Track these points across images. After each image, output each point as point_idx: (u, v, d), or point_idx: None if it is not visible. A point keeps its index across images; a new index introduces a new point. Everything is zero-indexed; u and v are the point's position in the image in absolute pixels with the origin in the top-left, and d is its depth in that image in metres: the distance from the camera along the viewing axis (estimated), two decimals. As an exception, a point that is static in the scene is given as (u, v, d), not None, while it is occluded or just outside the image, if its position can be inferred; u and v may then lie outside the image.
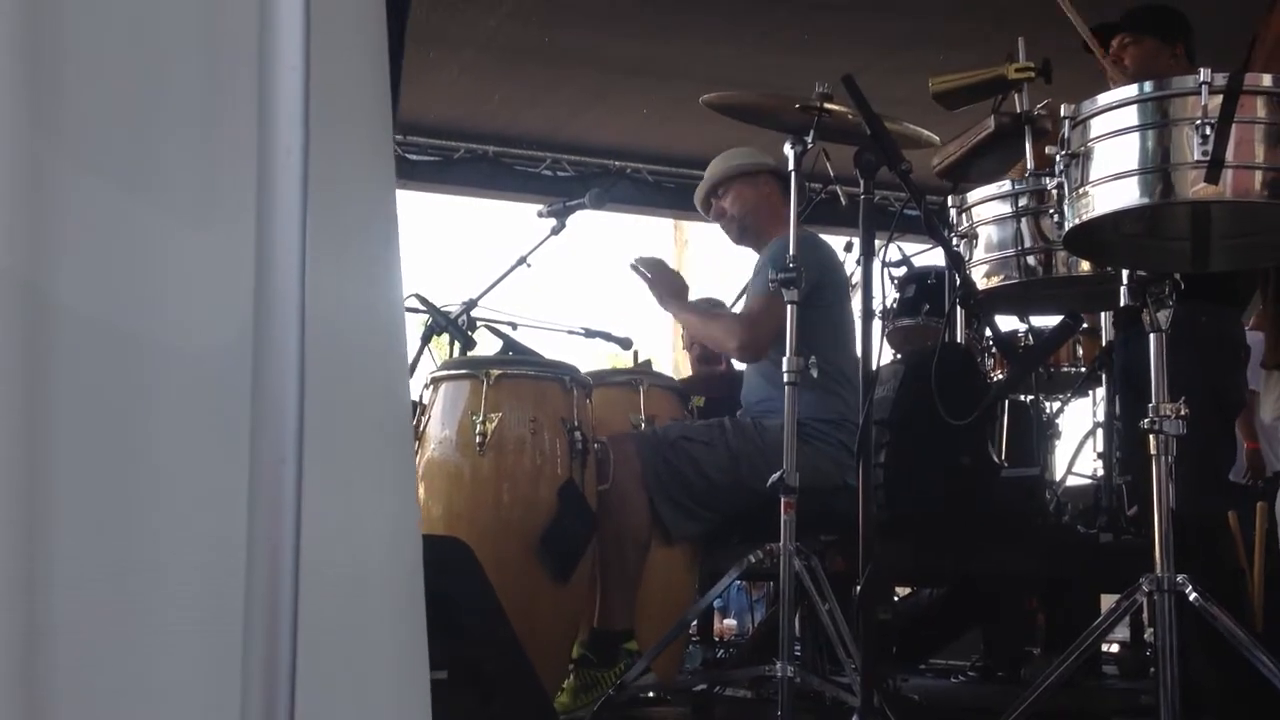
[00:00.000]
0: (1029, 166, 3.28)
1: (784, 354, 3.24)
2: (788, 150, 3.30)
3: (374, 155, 1.41)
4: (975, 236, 3.18)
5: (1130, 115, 2.51)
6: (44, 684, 1.07)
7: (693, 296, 4.43)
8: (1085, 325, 5.01)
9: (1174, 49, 3.72)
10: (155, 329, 1.16)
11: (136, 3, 1.21)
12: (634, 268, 4.18)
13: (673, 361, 9.95)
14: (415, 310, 4.05)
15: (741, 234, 4.29)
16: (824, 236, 4.27)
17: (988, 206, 3.19)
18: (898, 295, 5.25)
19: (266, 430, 1.04)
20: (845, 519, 3.11)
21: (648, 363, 4.59)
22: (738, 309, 4.35)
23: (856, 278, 5.06)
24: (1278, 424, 2.93)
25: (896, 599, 5.32)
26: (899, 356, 4.91)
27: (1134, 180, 2.50)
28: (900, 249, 5.34)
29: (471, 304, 4.09)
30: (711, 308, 4.71)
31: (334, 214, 1.26)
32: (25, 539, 1.07)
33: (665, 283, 4.20)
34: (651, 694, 3.49)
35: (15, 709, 1.05)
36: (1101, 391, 5.22)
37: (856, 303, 3.56)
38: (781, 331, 3.37)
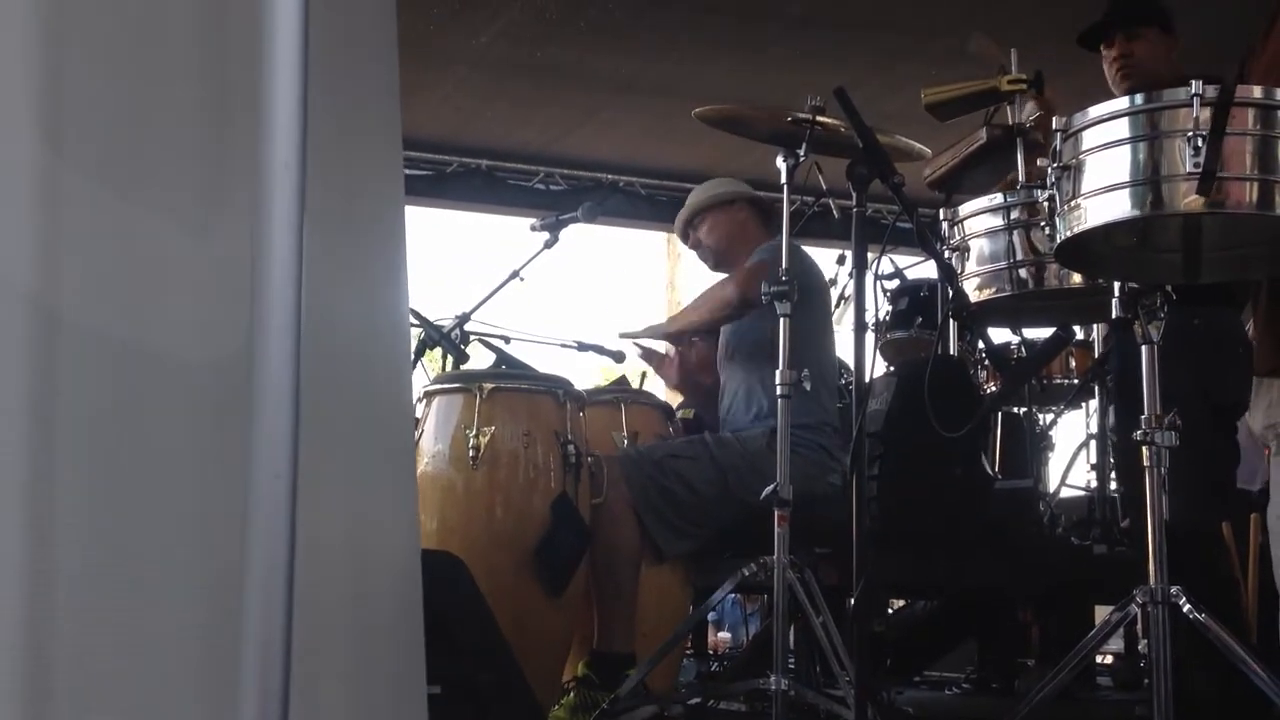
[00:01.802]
0: (1021, 179, 3.29)
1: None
2: (780, 163, 3.30)
3: (384, 170, 1.41)
4: (967, 249, 3.19)
5: (1121, 127, 2.52)
6: (46, 690, 1.07)
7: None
8: (1078, 337, 5.02)
9: (1174, 39, 3.69)
10: (158, 340, 1.16)
11: (139, 16, 1.21)
12: (636, 343, 4.30)
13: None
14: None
15: (717, 263, 4.33)
16: (817, 249, 4.28)
17: (979, 219, 3.20)
18: (890, 308, 5.26)
19: (262, 445, 1.04)
20: (838, 531, 3.11)
21: (622, 379, 4.59)
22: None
23: (849, 290, 5.08)
24: (1267, 433, 2.92)
25: (890, 611, 5.32)
26: (892, 369, 4.92)
27: (1125, 192, 2.50)
28: (893, 261, 5.36)
29: (464, 318, 4.09)
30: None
31: (342, 227, 1.26)
32: (29, 546, 1.07)
33: (652, 329, 4.31)
34: (646, 707, 3.47)
35: (19, 713, 1.04)
36: (1094, 403, 5.24)
37: (849, 316, 3.56)
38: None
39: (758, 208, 4.34)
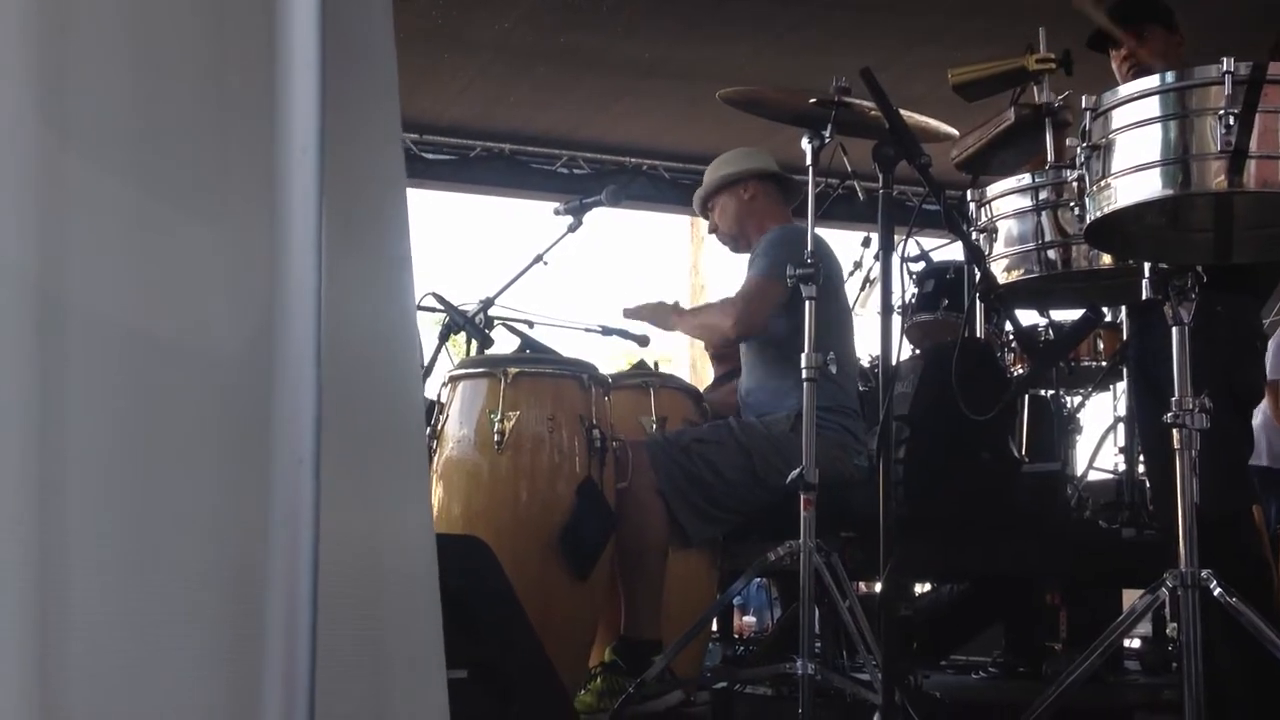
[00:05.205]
0: (1049, 159, 3.25)
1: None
2: (805, 145, 3.28)
3: (384, 156, 1.40)
4: (995, 230, 3.16)
5: (1152, 106, 2.49)
6: (61, 684, 1.06)
7: (711, 297, 4.43)
8: (1107, 319, 4.98)
9: (1179, 36, 3.66)
10: (170, 329, 1.15)
11: (147, 9, 1.20)
12: (630, 316, 4.23)
13: (690, 359, 9.95)
14: (432, 309, 4.04)
15: (735, 245, 4.29)
16: (842, 231, 4.26)
17: (1007, 200, 3.17)
18: (916, 290, 5.22)
19: (284, 431, 1.04)
20: (864, 515, 3.09)
21: (640, 363, 4.57)
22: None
23: (875, 273, 5.05)
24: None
25: (917, 595, 5.30)
26: (918, 352, 4.89)
27: (1156, 172, 2.47)
28: (919, 244, 5.32)
29: (488, 302, 4.08)
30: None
31: (344, 215, 1.25)
32: (41, 539, 1.06)
33: (658, 311, 4.24)
34: (672, 693, 3.47)
35: (33, 709, 1.04)
36: (1122, 386, 5.20)
37: (875, 298, 3.55)
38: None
39: (768, 182, 4.30)
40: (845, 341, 4.07)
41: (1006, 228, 3.15)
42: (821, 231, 3.49)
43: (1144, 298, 2.74)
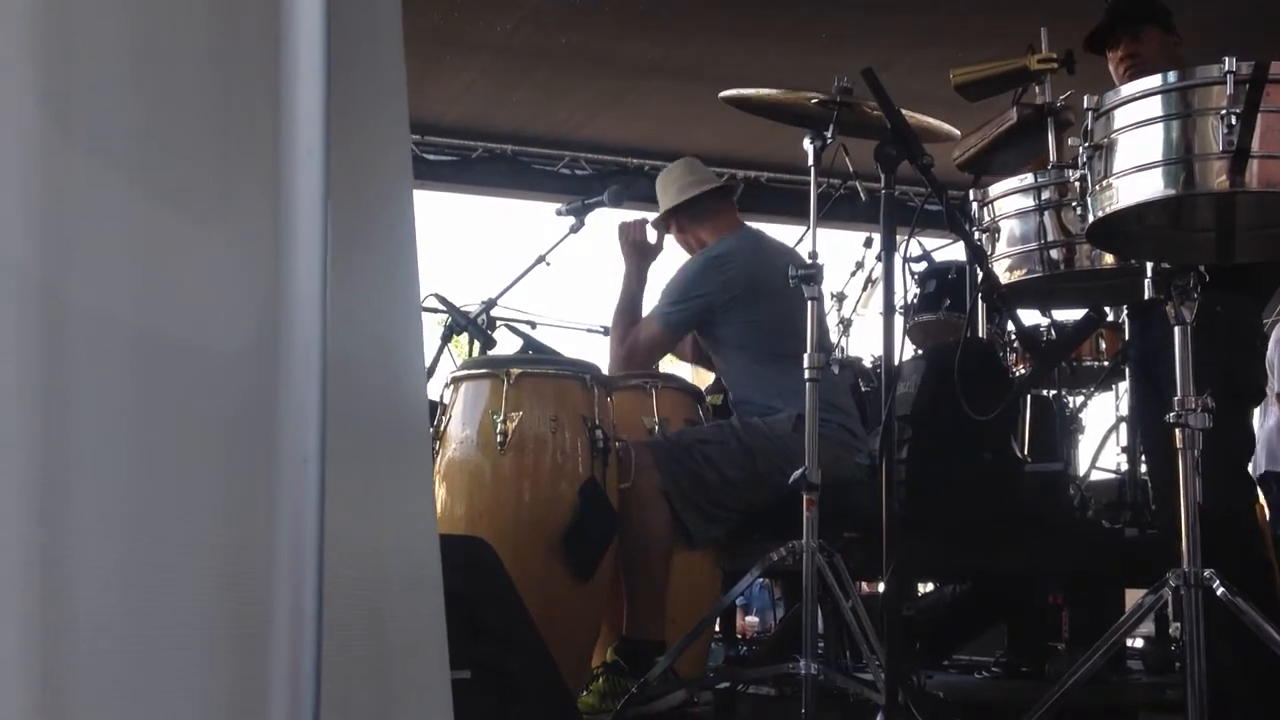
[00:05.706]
0: (1052, 159, 3.25)
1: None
2: (807, 145, 3.28)
3: (390, 156, 1.40)
4: (997, 230, 3.16)
5: (1154, 106, 2.49)
6: (64, 683, 1.06)
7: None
8: (1109, 318, 4.98)
9: (1176, 38, 3.66)
10: (173, 329, 1.15)
11: (151, 6, 1.20)
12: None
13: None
14: (435, 310, 4.05)
15: None
16: (845, 231, 4.27)
17: (1010, 200, 3.17)
18: (918, 290, 5.22)
19: (289, 430, 1.04)
20: (867, 515, 3.09)
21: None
22: None
23: (877, 273, 5.06)
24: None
25: (919, 595, 5.30)
26: (920, 352, 4.89)
27: (1158, 171, 2.47)
28: (920, 244, 5.32)
29: (491, 303, 4.09)
30: None
31: (349, 215, 1.25)
32: (44, 538, 1.06)
33: (639, 252, 4.30)
34: (675, 692, 3.47)
35: (35, 709, 1.04)
36: (1125, 385, 5.20)
37: (877, 299, 3.55)
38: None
39: (685, 213, 4.33)
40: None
41: (1009, 227, 3.15)
42: (823, 232, 3.49)
43: (1146, 297, 2.74)
